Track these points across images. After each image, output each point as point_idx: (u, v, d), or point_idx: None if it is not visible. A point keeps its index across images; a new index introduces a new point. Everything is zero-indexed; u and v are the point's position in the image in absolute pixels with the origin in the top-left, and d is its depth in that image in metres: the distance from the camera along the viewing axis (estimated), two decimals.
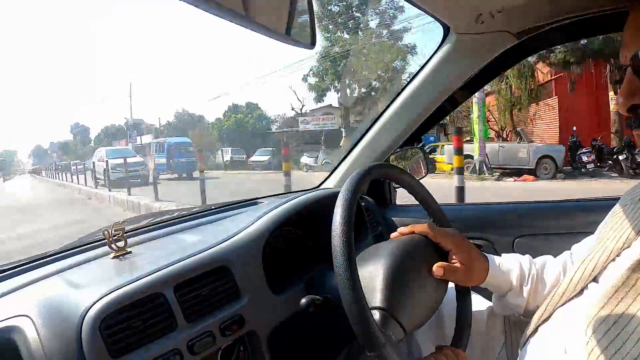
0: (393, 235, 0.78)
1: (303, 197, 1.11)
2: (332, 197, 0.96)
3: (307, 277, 0.95)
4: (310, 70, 21.73)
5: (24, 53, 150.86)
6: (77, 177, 18.00)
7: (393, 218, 1.33)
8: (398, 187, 1.43)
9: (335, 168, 1.42)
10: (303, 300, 0.82)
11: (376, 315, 0.63)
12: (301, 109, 25.86)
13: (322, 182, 1.46)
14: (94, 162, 16.63)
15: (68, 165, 26.47)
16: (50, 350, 0.64)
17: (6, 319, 0.69)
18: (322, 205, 1.09)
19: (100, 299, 0.68)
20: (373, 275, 0.67)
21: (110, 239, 0.89)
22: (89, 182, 15.72)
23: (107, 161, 13.89)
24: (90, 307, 0.67)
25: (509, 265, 0.76)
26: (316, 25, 0.57)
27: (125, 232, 0.91)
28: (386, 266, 0.67)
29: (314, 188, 1.42)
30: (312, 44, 0.56)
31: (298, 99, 26.12)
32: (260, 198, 1.33)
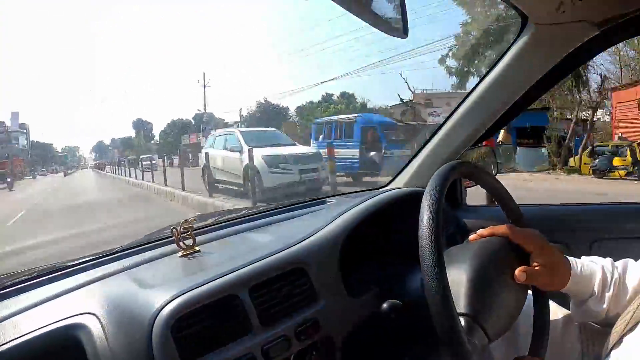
0: (472, 237, 0.74)
1: (378, 197, 1.08)
2: (407, 197, 1.08)
3: (382, 280, 0.91)
4: (451, 50, 18.42)
5: (87, 49, 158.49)
6: (152, 174, 15.16)
7: (464, 220, 1.27)
8: (469, 187, 1.37)
9: (404, 167, 1.40)
10: (385, 305, 0.80)
11: (461, 322, 0.61)
12: (412, 100, 22.02)
13: (390, 182, 1.43)
14: (206, 154, 10.06)
15: (136, 160, 25.10)
16: (117, 351, 0.63)
17: (71, 316, 0.69)
18: (398, 206, 1.07)
19: (173, 299, 0.67)
20: (456, 280, 0.63)
21: (179, 236, 0.88)
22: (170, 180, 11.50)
23: (249, 151, 7.39)
24: (162, 308, 0.66)
25: (591, 268, 0.72)
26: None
27: (194, 230, 0.91)
28: (470, 270, 0.65)
29: (381, 187, 1.41)
30: (405, 34, 0.61)
31: (409, 89, 21.56)
32: (327, 197, 1.32)
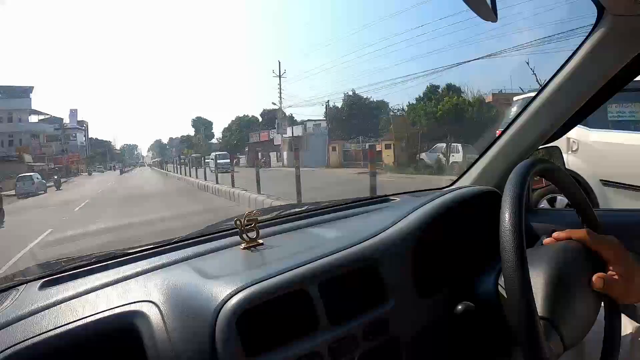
0: (547, 240, 0.74)
1: (448, 195, 1.06)
2: (477, 196, 1.08)
3: (453, 280, 0.90)
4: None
5: (148, 46, 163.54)
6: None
7: (531, 223, 1.20)
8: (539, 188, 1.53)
9: (470, 167, 1.36)
10: (459, 307, 0.80)
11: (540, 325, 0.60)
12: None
13: (455, 182, 1.41)
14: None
15: (199, 159, 23.08)
16: (177, 341, 0.63)
17: (129, 303, 0.69)
18: (468, 204, 1.05)
19: (238, 291, 0.66)
20: (533, 282, 0.61)
21: (243, 228, 0.88)
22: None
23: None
24: (227, 300, 0.65)
25: None
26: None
27: (258, 223, 0.91)
28: (547, 273, 0.65)
29: (445, 187, 1.38)
30: (495, 17, 0.64)
31: (537, 81, 17.64)
32: (389, 195, 1.33)
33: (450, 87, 23.98)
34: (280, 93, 27.83)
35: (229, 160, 19.20)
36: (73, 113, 60.00)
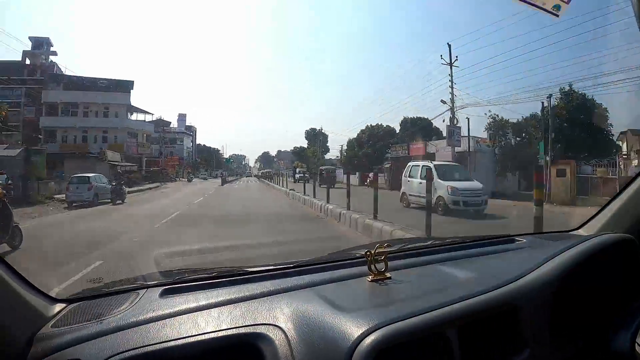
0: None
1: (588, 243, 1.01)
2: (617, 244, 1.00)
3: (587, 332, 0.88)
4: None
5: (263, 57, 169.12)
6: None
7: None
8: None
9: (601, 210, 1.31)
10: None
11: None
12: None
13: (583, 225, 1.36)
14: None
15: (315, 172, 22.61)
16: None
17: (254, 325, 0.71)
18: (605, 253, 0.99)
19: (374, 330, 0.65)
20: None
21: (372, 259, 0.88)
22: None
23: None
24: (365, 337, 0.64)
25: None
26: None
27: (389, 253, 0.92)
28: None
29: (571, 230, 1.36)
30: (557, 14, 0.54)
31: None
32: (514, 236, 1.32)
33: None
34: (452, 89, 18.62)
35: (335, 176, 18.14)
36: (182, 117, 59.82)
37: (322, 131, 49.15)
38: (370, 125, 34.65)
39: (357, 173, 27.62)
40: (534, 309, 0.80)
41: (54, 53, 34.11)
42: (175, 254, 4.73)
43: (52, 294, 0.98)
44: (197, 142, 63.84)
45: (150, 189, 23.45)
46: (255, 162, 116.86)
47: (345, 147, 36.74)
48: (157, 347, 0.71)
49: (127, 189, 16.55)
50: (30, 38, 31.81)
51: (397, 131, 31.40)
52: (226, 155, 77.68)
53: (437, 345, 0.68)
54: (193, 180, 38.11)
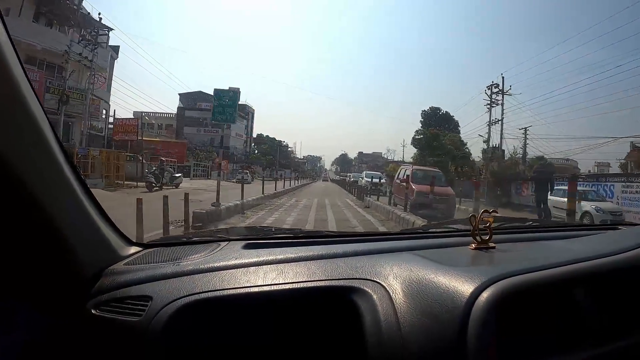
0: None
1: None
2: None
3: None
4: None
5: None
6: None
7: None
8: None
9: None
10: None
11: None
12: None
13: None
14: None
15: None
16: (410, 328, 0.59)
17: (349, 279, 0.69)
18: None
19: (495, 282, 0.61)
20: None
21: (477, 228, 0.84)
22: None
23: None
24: (483, 291, 0.60)
25: None
26: None
27: (493, 228, 0.86)
28: None
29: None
30: None
31: None
32: (617, 224, 1.27)
33: None
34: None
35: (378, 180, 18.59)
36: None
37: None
38: None
39: None
40: None
41: None
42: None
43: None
44: (259, 132, 52.72)
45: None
46: (332, 165, 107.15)
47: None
48: (239, 291, 0.70)
49: None
50: None
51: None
52: (299, 155, 66.29)
53: (562, 307, 0.64)
54: (252, 181, 25.62)
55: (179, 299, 0.70)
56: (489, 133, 22.92)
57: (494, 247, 0.83)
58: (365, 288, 0.66)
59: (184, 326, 0.69)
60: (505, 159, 21.74)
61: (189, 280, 0.74)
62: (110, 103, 25.71)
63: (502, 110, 22.64)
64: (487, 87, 22.97)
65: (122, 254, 0.88)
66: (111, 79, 25.87)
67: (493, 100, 22.68)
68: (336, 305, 0.66)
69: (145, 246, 0.97)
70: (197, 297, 0.69)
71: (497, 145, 22.82)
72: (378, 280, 0.67)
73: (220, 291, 0.70)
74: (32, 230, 0.67)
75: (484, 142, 23.31)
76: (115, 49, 26.49)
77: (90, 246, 0.79)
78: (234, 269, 0.76)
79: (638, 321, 0.67)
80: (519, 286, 0.62)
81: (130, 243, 0.94)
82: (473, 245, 0.84)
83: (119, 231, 0.91)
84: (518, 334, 0.60)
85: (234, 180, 23.70)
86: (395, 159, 43.31)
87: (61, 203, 0.71)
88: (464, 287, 0.61)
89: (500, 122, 22.57)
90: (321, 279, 0.70)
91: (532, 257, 0.76)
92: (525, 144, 23.70)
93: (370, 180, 19.76)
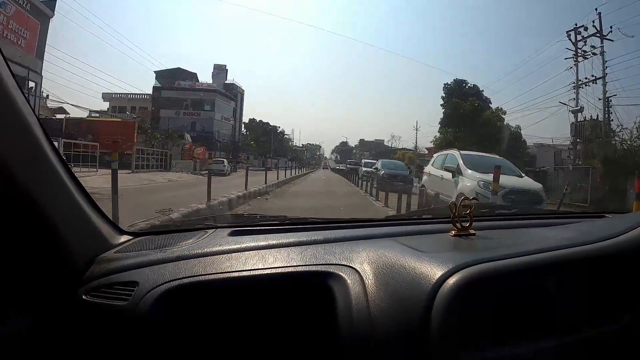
0: None
1: None
2: None
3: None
4: None
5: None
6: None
7: None
8: None
9: None
10: None
11: None
12: None
13: None
14: None
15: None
16: (378, 309, 0.61)
17: (326, 264, 0.71)
18: None
19: (462, 269, 0.62)
20: None
21: (456, 215, 0.85)
22: None
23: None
24: (449, 277, 0.61)
25: None
26: None
27: (474, 215, 0.87)
28: None
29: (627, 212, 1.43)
30: None
31: None
32: (603, 212, 1.27)
33: None
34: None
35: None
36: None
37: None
38: None
39: None
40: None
41: None
42: None
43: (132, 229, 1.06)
44: (252, 117, 46.46)
45: None
46: (332, 153, 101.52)
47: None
48: (220, 276, 0.73)
49: None
50: None
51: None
52: (298, 144, 60.32)
53: (525, 293, 0.64)
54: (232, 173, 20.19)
55: (163, 284, 0.74)
56: (576, 99, 15.88)
57: (474, 234, 0.85)
58: (340, 273, 0.68)
59: (168, 310, 0.72)
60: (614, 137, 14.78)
61: (174, 266, 0.77)
62: (42, 74, 19.50)
63: (604, 62, 15.34)
64: (567, 31, 16.26)
65: (113, 242, 0.92)
66: (44, 42, 19.67)
67: (580, 50, 15.79)
68: (313, 290, 0.68)
69: (135, 235, 1.02)
70: (179, 282, 0.73)
71: (596, 119, 15.74)
72: (353, 266, 0.69)
73: (203, 276, 0.73)
74: (24, 222, 0.69)
75: (571, 111, 16.43)
76: (50, 4, 20.18)
77: (81, 235, 0.82)
78: (217, 255, 0.79)
79: (610, 311, 0.68)
80: (486, 273, 0.62)
81: (121, 232, 0.99)
82: (453, 232, 0.85)
83: (110, 220, 0.94)
84: (485, 320, 0.61)
85: (203, 173, 18.05)
86: (400, 147, 38.36)
87: (52, 194, 0.74)
88: (432, 273, 0.63)
89: (601, 81, 15.16)
90: (299, 264, 0.72)
91: (508, 244, 0.78)
92: None
93: (373, 170, 15.86)
